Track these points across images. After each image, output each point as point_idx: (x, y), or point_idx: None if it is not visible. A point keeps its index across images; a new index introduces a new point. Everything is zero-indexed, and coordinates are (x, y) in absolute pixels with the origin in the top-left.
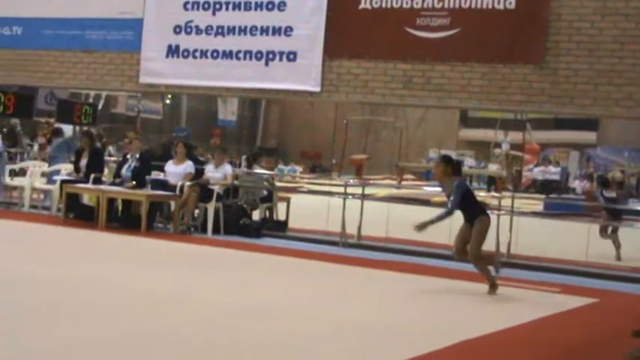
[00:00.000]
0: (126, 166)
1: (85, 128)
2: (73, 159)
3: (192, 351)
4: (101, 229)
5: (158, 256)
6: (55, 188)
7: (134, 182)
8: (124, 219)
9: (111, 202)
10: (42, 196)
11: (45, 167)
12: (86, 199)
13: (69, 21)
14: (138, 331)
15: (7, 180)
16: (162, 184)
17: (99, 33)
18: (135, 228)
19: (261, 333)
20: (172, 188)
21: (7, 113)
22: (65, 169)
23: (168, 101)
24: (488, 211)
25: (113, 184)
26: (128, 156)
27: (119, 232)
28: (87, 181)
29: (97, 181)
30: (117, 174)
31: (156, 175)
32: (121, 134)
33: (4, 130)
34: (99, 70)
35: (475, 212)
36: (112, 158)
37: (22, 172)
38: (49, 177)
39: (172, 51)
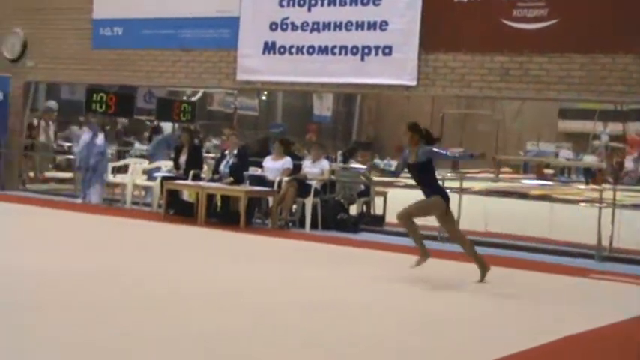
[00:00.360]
0: (224, 163)
1: (185, 125)
2: (172, 156)
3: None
4: (201, 225)
5: (256, 251)
6: (155, 185)
7: (232, 178)
8: (223, 215)
9: (210, 198)
10: (143, 193)
11: (146, 164)
12: (186, 196)
13: (167, 21)
14: (223, 327)
15: (110, 177)
16: (260, 180)
17: (196, 32)
18: (234, 224)
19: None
20: (270, 184)
21: (109, 112)
22: (165, 166)
23: (264, 97)
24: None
25: (212, 180)
26: (226, 152)
27: (218, 227)
28: (186, 178)
29: (196, 177)
30: (215, 170)
31: (253, 171)
32: (217, 131)
33: (107, 128)
34: (197, 68)
35: (433, 188)
36: (210, 155)
37: (124, 170)
38: (149, 174)
39: (268, 48)
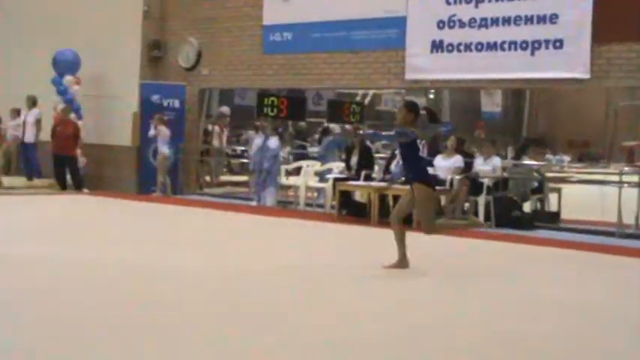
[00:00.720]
0: (394, 162)
1: (355, 126)
2: (343, 157)
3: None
4: (373, 225)
5: (429, 249)
6: (327, 186)
7: (403, 178)
8: None
9: (382, 198)
10: (315, 194)
11: (317, 166)
12: (358, 196)
13: (335, 23)
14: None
15: (283, 180)
16: (433, 179)
17: (364, 33)
18: (406, 223)
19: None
20: (442, 182)
21: (281, 116)
22: (337, 167)
23: (431, 96)
24: None
25: (383, 180)
26: (396, 152)
27: (391, 227)
28: (358, 179)
29: (368, 177)
30: (386, 170)
31: None
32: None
33: (280, 131)
34: (365, 69)
35: (416, 173)
36: (381, 155)
37: (297, 172)
38: (321, 175)
39: (436, 46)
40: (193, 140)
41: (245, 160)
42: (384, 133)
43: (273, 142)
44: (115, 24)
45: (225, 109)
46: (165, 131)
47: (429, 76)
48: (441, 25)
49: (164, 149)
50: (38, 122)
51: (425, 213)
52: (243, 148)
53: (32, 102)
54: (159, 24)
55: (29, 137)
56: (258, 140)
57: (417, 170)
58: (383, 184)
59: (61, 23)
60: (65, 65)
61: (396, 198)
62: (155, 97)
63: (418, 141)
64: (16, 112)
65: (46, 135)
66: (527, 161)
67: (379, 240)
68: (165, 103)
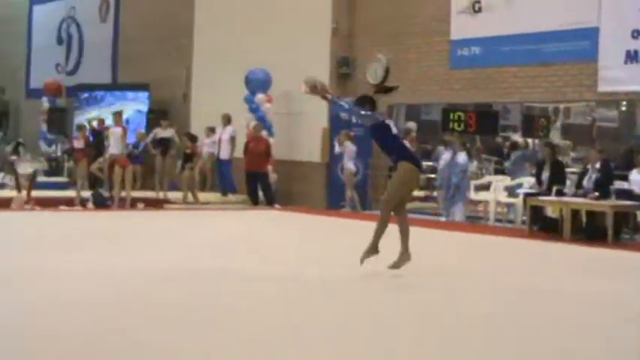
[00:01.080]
0: (587, 177)
1: (547, 140)
2: (534, 172)
3: None
4: (566, 241)
5: (623, 268)
6: (518, 201)
7: (597, 193)
8: (588, 230)
9: (575, 213)
10: (505, 210)
11: (507, 181)
12: (550, 211)
13: (525, 36)
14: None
15: (472, 195)
16: (628, 194)
17: (555, 45)
18: (601, 239)
19: None
20: (638, 198)
21: (470, 131)
22: (527, 182)
23: (623, 108)
24: None
25: (576, 195)
26: (588, 166)
27: (584, 243)
28: (549, 194)
29: (560, 193)
30: (579, 185)
31: (619, 184)
32: (577, 145)
33: (468, 145)
34: (556, 82)
35: (399, 154)
36: (572, 169)
37: (486, 187)
38: (510, 190)
39: (631, 56)
40: (382, 156)
41: (432, 175)
42: (349, 107)
43: (462, 157)
44: (304, 42)
45: (412, 125)
46: (351, 147)
47: (623, 88)
48: (635, 34)
49: (350, 165)
50: (233, 139)
51: (392, 189)
52: (429, 163)
53: (227, 120)
54: (347, 41)
55: (224, 154)
56: (446, 155)
57: (398, 151)
58: (575, 199)
59: (252, 43)
60: (257, 84)
61: (589, 214)
62: (344, 114)
63: (391, 122)
64: (211, 130)
65: (239, 152)
66: None
67: (572, 257)
68: (353, 120)
